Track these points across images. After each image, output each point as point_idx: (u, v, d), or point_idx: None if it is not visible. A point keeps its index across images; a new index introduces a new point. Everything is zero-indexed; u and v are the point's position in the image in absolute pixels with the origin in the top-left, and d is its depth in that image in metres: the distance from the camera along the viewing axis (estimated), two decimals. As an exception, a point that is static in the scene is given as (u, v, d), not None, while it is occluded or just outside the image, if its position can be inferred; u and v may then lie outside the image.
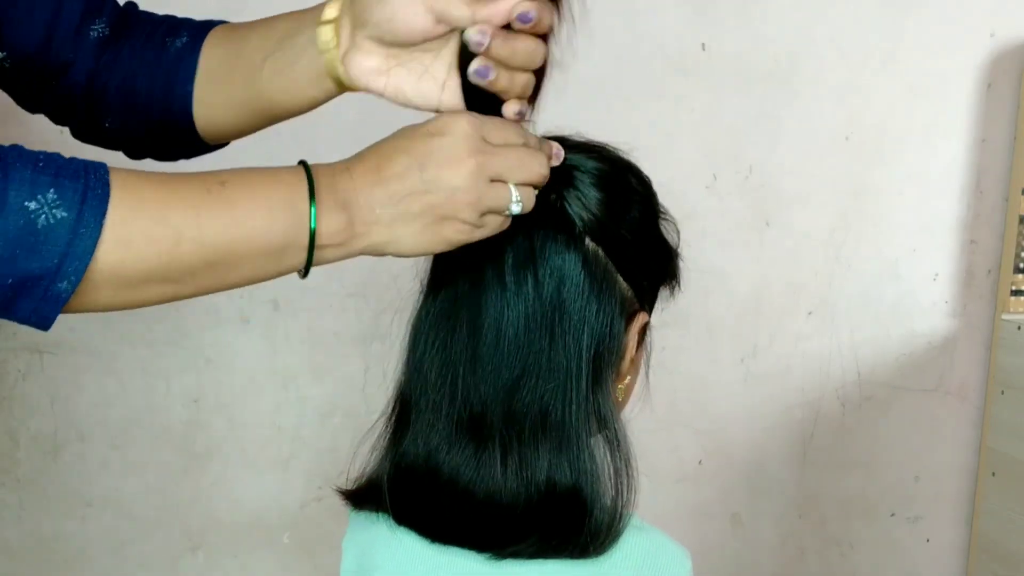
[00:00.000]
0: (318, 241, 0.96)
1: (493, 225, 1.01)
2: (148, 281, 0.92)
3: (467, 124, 0.98)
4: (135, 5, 1.32)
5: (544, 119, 1.10)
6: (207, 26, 1.26)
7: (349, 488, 1.15)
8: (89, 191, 0.88)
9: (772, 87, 2.51)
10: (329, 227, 0.96)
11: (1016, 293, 2.68)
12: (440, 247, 1.00)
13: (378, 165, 0.98)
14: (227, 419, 2.34)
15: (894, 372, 2.71)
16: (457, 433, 1.06)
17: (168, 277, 0.93)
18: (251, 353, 2.33)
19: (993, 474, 2.69)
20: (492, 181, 0.98)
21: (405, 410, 1.11)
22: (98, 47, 1.24)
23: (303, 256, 0.97)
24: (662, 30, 2.43)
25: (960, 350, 2.75)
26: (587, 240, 1.06)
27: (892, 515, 2.79)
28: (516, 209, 1.00)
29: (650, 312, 1.15)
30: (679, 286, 1.18)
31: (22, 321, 0.90)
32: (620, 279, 1.08)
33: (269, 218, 0.94)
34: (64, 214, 0.87)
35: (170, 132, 1.26)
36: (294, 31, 1.14)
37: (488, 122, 1.00)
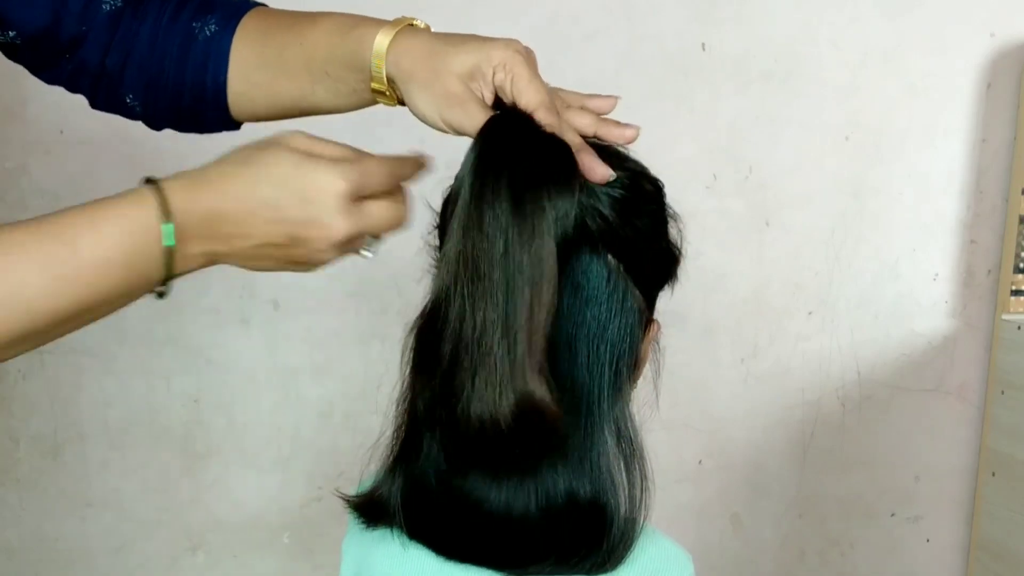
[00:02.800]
0: (176, 272, 0.96)
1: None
2: (6, 348, 0.91)
3: (342, 186, 0.95)
4: None
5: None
6: (238, 11, 1.25)
7: (355, 498, 1.13)
8: None
9: (772, 87, 2.52)
10: (187, 266, 0.96)
11: (1016, 293, 2.69)
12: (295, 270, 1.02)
13: (243, 218, 0.95)
14: (227, 419, 2.34)
15: (894, 372, 2.72)
16: (473, 452, 1.03)
17: (25, 340, 0.91)
18: (251, 353, 2.33)
19: (993, 474, 2.69)
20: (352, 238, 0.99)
21: (415, 426, 1.07)
22: (111, 20, 1.24)
23: (157, 285, 0.96)
24: (662, 30, 2.43)
25: (960, 350, 2.75)
26: (608, 255, 1.05)
27: (892, 515, 2.79)
28: (368, 255, 1.02)
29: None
30: (676, 282, 1.18)
31: None
32: (636, 290, 1.07)
33: (126, 272, 0.92)
34: None
35: (200, 116, 1.27)
36: (348, 47, 1.14)
37: (362, 172, 0.97)
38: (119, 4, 1.24)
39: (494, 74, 1.06)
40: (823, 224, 2.61)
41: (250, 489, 2.38)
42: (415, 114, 1.10)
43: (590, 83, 2.34)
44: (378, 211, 0.99)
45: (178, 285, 0.98)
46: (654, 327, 1.12)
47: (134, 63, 1.25)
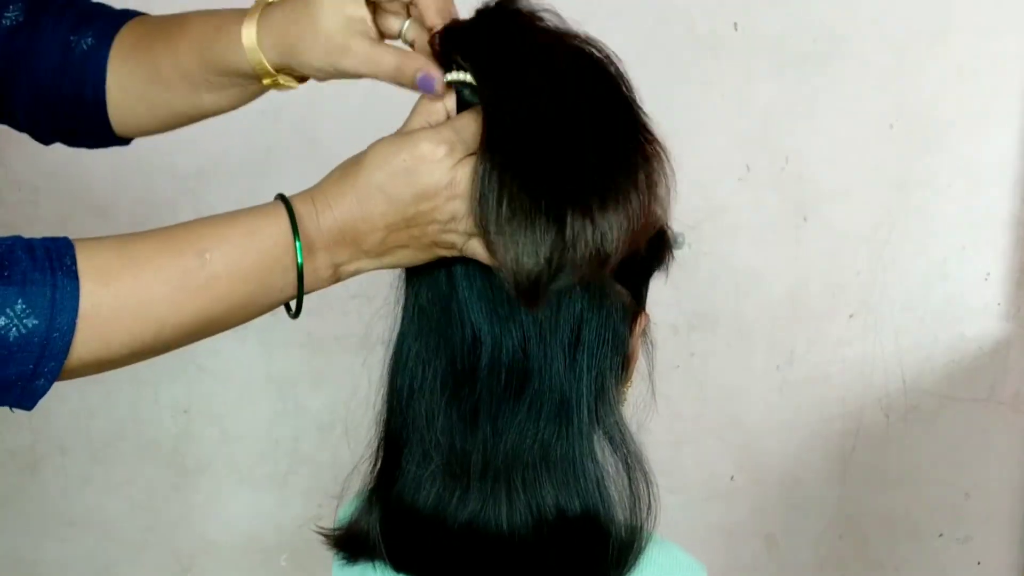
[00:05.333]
0: (305, 288, 1.03)
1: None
2: (130, 358, 1.00)
3: (439, 150, 1.00)
4: None
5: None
6: (114, 23, 1.30)
7: (334, 532, 1.15)
8: (58, 291, 0.94)
9: (810, 70, 2.50)
10: (317, 279, 1.04)
11: (1075, 294, 2.67)
12: (434, 258, 1.06)
13: (360, 214, 1.01)
14: (220, 431, 2.35)
15: (942, 380, 2.71)
16: (456, 476, 1.06)
17: (152, 352, 1.01)
18: (245, 359, 2.33)
19: (1050, 491, 2.68)
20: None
21: (394, 451, 1.10)
22: (9, 34, 1.29)
23: (291, 299, 1.04)
24: (691, 7, 2.43)
25: (1013, 356, 2.74)
26: None
27: (940, 535, 2.78)
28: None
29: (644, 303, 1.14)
30: (672, 260, 1.15)
31: (4, 404, 0.98)
32: (616, 284, 1.06)
33: (254, 287, 1.01)
34: (35, 322, 0.93)
35: (81, 130, 1.33)
36: (218, 54, 1.20)
37: (455, 128, 1.01)
38: (20, 19, 1.30)
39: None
40: (865, 219, 2.60)
41: (244, 507, 2.38)
42: (315, 76, 1.16)
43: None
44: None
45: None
46: (643, 320, 1.11)
47: (22, 76, 1.30)
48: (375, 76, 1.10)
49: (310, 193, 1.02)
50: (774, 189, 2.54)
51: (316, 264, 1.02)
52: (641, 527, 1.07)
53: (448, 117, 1.03)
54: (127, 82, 1.27)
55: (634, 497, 1.07)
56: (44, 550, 2.31)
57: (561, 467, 1.05)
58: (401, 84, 1.07)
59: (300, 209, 1.00)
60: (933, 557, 2.79)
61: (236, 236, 0.99)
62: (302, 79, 1.20)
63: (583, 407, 1.05)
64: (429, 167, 0.98)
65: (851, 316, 2.63)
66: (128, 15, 1.32)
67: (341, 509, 1.17)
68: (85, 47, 1.28)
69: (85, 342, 0.95)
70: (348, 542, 1.13)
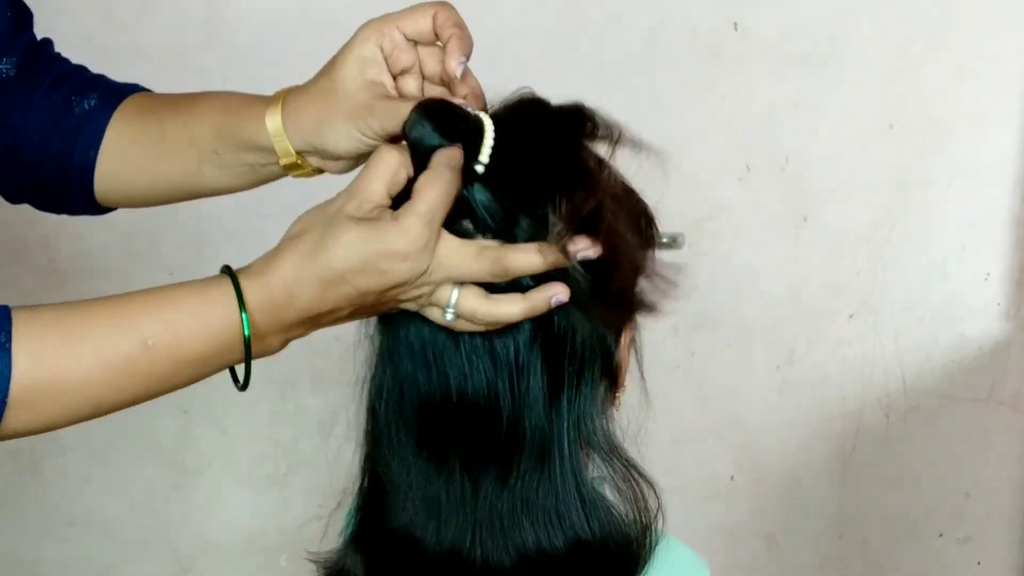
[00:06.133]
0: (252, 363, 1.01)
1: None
2: (68, 425, 1.00)
3: (417, 243, 0.97)
4: (51, 43, 1.34)
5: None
6: (121, 92, 1.29)
7: (323, 567, 1.14)
8: None
9: (810, 70, 2.51)
10: (265, 352, 1.02)
11: (1075, 294, 2.67)
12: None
13: (322, 304, 1.00)
14: (219, 431, 2.35)
15: (942, 380, 2.71)
16: (443, 509, 1.05)
17: (88, 420, 1.00)
18: (246, 360, 2.33)
19: (1051, 491, 2.68)
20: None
21: (377, 484, 1.11)
22: None
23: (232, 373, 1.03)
24: (691, 8, 2.43)
25: (1014, 356, 2.74)
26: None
27: (940, 535, 2.78)
28: (450, 318, 1.01)
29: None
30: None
31: None
32: (586, 313, 1.04)
33: (198, 369, 1.01)
34: None
35: (59, 192, 1.30)
36: (236, 127, 1.19)
37: (434, 210, 0.98)
38: (12, 72, 1.28)
39: (381, 49, 1.11)
40: (865, 219, 2.60)
41: (244, 507, 2.38)
42: (337, 151, 1.13)
43: (614, 66, 2.33)
44: (456, 257, 0.99)
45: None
46: (628, 330, 1.10)
47: (2, 130, 1.28)
48: (399, 131, 1.07)
49: (265, 278, 0.99)
50: (774, 189, 2.54)
51: (267, 344, 1.01)
52: (649, 533, 1.07)
53: (407, 176, 1.00)
54: (125, 146, 1.26)
55: (636, 507, 1.06)
56: (44, 550, 2.31)
57: (543, 509, 1.04)
58: None
59: (252, 297, 0.98)
60: (933, 557, 2.79)
61: (182, 322, 0.98)
62: (317, 170, 1.18)
63: (565, 445, 1.04)
64: (403, 265, 0.97)
65: (851, 316, 2.63)
66: (136, 87, 1.32)
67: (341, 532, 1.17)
68: (87, 107, 1.27)
69: (17, 416, 0.94)
70: (336, 562, 1.14)
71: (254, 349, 0.99)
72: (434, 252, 0.97)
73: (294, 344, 2.35)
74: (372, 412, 1.10)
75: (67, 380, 0.95)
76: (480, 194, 1.00)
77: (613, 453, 1.06)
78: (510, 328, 1.01)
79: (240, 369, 1.01)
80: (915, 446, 2.72)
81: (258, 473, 2.38)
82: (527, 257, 0.98)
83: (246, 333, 0.97)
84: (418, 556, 1.06)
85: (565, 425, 1.03)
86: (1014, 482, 2.80)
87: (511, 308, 0.99)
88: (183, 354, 0.98)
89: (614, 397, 1.10)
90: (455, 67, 1.08)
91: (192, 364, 0.99)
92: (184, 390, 2.30)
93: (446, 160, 0.98)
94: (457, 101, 1.05)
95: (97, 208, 1.33)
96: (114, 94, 1.29)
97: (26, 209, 2.19)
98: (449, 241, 0.98)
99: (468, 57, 1.09)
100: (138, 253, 2.29)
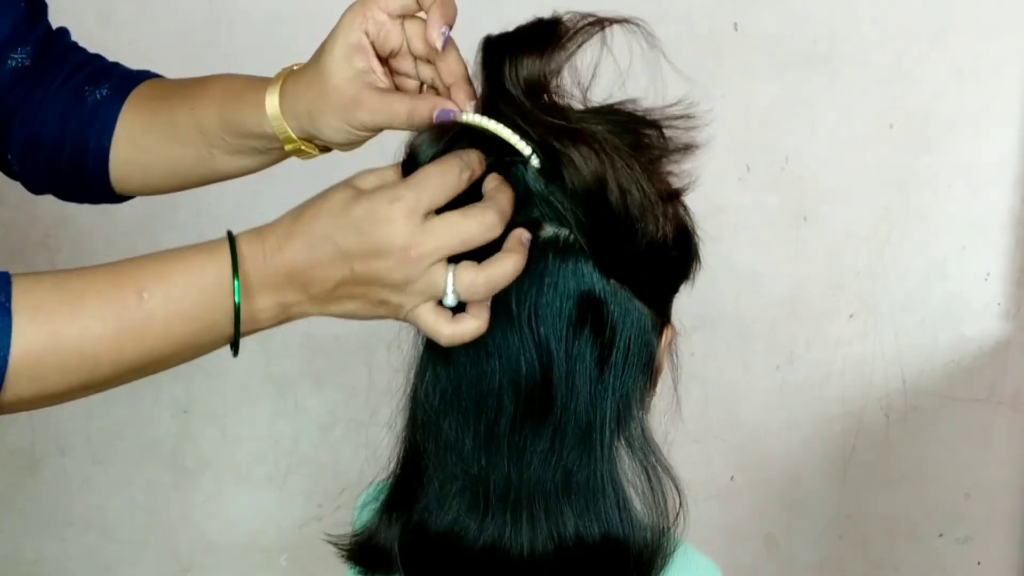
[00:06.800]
0: (243, 328, 1.00)
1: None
2: (67, 395, 1.00)
3: (394, 209, 0.96)
4: (67, 33, 1.36)
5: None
6: (132, 79, 1.31)
7: (350, 542, 1.13)
8: None
9: (810, 70, 2.51)
10: (257, 320, 1.01)
11: (1075, 294, 2.68)
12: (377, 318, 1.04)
13: (308, 260, 0.99)
14: (219, 431, 2.35)
15: (942, 380, 2.71)
16: (477, 500, 1.05)
17: (90, 389, 1.01)
18: (245, 360, 2.31)
19: (1051, 491, 2.68)
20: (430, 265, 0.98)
21: (415, 471, 1.09)
22: (13, 77, 1.29)
23: (229, 340, 1.02)
24: (691, 7, 2.43)
25: (1014, 356, 2.74)
26: (592, 267, 1.03)
27: (940, 535, 2.79)
28: (451, 301, 0.99)
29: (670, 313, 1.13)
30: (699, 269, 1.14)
31: None
32: (638, 303, 1.05)
33: (194, 326, 1.00)
34: None
35: (78, 181, 1.32)
36: (238, 117, 1.21)
37: (413, 186, 0.97)
38: (27, 63, 1.30)
39: (367, 34, 1.11)
40: (865, 219, 2.60)
41: (245, 507, 2.38)
42: (333, 140, 1.15)
43: (612, 64, 2.33)
44: (443, 226, 0.97)
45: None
46: (669, 332, 1.10)
47: (19, 121, 1.30)
48: (390, 125, 1.08)
49: (261, 232, 1.00)
50: (774, 189, 2.54)
51: (260, 305, 0.99)
52: (667, 536, 1.07)
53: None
54: (140, 136, 1.27)
55: (660, 508, 1.07)
56: (44, 550, 2.31)
57: (582, 494, 1.05)
58: (416, 128, 1.06)
59: (245, 249, 0.98)
60: (933, 557, 2.79)
61: (176, 275, 0.99)
62: (324, 149, 1.20)
63: (606, 431, 1.04)
64: (384, 227, 0.95)
65: (851, 316, 2.63)
66: (147, 74, 1.33)
67: (356, 517, 1.15)
68: (100, 96, 1.28)
69: (17, 379, 0.94)
70: (364, 554, 1.11)
71: (245, 311, 0.98)
72: (424, 233, 0.96)
73: (294, 344, 2.36)
74: (417, 393, 1.08)
75: (66, 335, 0.96)
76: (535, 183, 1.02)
77: (646, 448, 1.07)
78: (560, 316, 1.01)
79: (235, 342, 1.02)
80: (915, 446, 2.72)
81: (258, 473, 2.38)
82: (490, 181, 1.00)
83: (232, 259, 0.97)
84: (456, 536, 1.06)
85: (608, 413, 1.04)
86: (1014, 482, 2.80)
87: (505, 264, 0.97)
88: (176, 306, 0.98)
89: (647, 402, 1.10)
90: (436, 37, 1.06)
91: (185, 319, 0.98)
92: (184, 390, 2.31)
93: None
94: (449, 106, 1.05)
95: (116, 196, 1.34)
96: (126, 82, 1.30)
97: (26, 209, 2.21)
98: (433, 220, 0.97)
99: (451, 26, 1.07)
100: (138, 253, 2.29)
